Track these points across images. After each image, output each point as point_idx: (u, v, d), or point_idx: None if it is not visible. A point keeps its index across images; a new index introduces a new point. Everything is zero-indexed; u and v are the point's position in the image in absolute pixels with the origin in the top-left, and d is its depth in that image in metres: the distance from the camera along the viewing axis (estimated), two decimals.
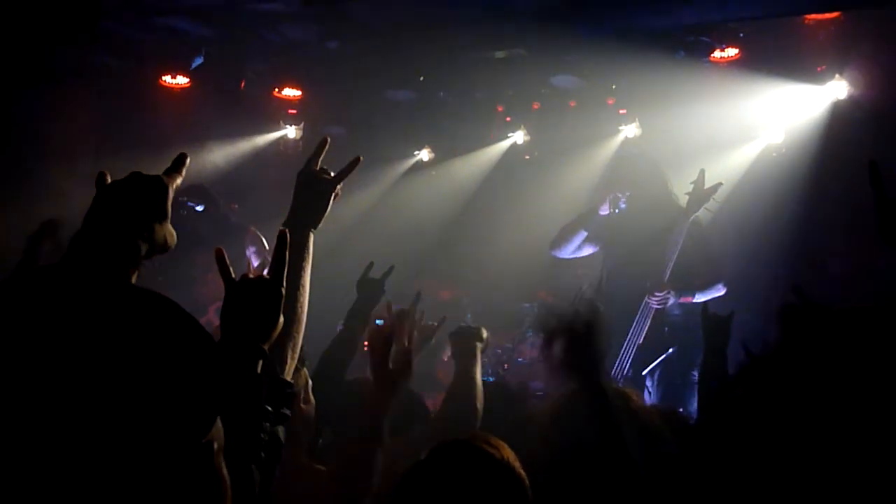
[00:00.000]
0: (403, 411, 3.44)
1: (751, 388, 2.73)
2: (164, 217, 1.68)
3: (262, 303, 1.92)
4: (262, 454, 1.83)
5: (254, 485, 1.80)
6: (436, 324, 4.48)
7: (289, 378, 2.15)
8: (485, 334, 3.88)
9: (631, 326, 5.62)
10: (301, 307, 2.25)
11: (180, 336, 1.32)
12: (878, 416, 2.35)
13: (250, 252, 6.55)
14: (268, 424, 1.86)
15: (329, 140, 2.52)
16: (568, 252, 6.34)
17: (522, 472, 2.16)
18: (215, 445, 1.33)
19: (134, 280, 1.59)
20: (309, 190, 2.45)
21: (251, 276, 1.97)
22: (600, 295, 5.79)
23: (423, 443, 2.64)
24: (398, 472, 2.48)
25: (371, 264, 4.16)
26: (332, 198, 2.47)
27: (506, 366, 8.46)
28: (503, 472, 2.13)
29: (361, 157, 2.57)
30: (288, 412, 2.06)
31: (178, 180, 1.76)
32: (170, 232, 1.69)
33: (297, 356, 2.20)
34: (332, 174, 2.50)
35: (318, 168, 2.50)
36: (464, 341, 3.85)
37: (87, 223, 1.61)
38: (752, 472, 2.59)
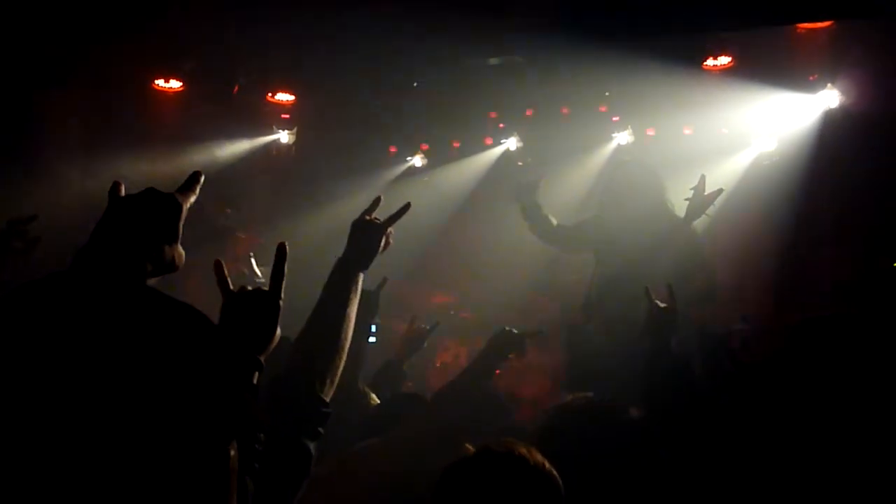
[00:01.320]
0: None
1: (738, 395, 2.75)
2: (175, 238, 1.65)
3: (259, 315, 1.93)
4: (256, 465, 1.83)
5: (247, 496, 1.80)
6: (427, 327, 4.46)
7: (327, 399, 2.24)
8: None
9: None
10: (346, 336, 2.38)
11: (199, 340, 1.31)
12: (868, 422, 2.37)
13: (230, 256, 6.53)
14: (262, 436, 1.86)
15: (382, 199, 2.79)
16: (549, 243, 6.28)
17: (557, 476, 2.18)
18: (232, 452, 1.33)
19: None
20: (362, 235, 2.64)
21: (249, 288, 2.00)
22: (590, 302, 5.78)
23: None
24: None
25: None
26: (383, 241, 2.67)
27: (497, 371, 8.45)
28: (539, 476, 2.16)
29: (410, 204, 2.82)
30: (322, 430, 2.16)
31: (192, 199, 1.74)
32: (178, 253, 1.66)
33: (336, 381, 2.30)
34: (382, 220, 2.71)
35: (371, 217, 2.70)
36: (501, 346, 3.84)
37: (95, 237, 1.58)
38: (741, 475, 2.60)
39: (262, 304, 1.95)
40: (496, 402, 4.22)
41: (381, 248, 2.67)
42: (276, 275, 2.01)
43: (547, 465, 2.18)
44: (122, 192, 1.69)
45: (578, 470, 2.40)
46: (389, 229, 2.71)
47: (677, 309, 3.60)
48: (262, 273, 7.61)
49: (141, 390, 1.22)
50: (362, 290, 4.05)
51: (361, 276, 2.57)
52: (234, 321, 1.93)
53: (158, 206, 1.65)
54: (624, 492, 2.45)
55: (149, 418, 1.22)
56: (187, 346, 1.28)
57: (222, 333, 1.91)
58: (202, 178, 1.81)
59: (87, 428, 1.19)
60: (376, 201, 2.78)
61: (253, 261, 6.53)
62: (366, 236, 2.65)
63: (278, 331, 1.96)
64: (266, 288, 1.99)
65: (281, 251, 2.04)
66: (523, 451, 2.19)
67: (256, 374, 1.87)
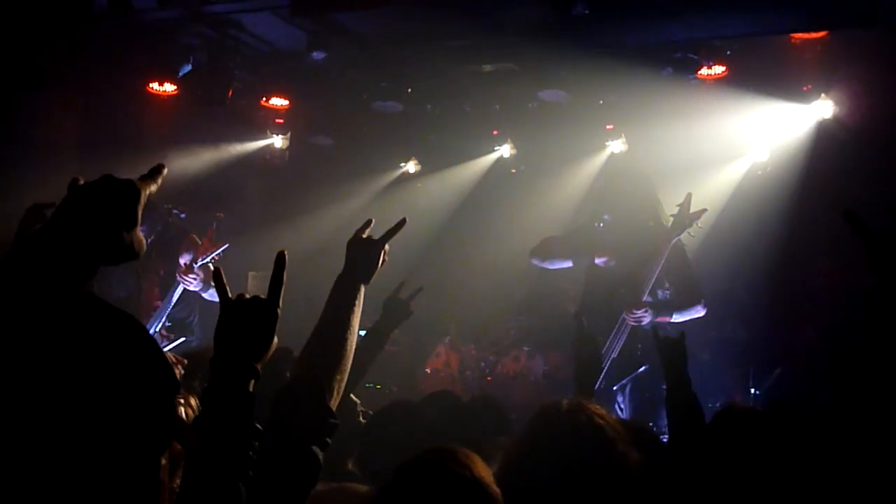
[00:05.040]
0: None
1: (728, 433, 2.78)
2: (134, 224, 1.62)
3: (257, 322, 1.93)
4: (251, 472, 1.82)
5: (240, 502, 1.79)
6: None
7: (333, 409, 2.22)
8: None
9: (607, 340, 5.61)
10: (350, 346, 2.38)
11: (131, 348, 1.31)
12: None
13: (184, 260, 6.42)
14: (258, 443, 1.85)
15: (373, 221, 2.80)
16: (546, 265, 6.32)
17: (495, 489, 2.11)
18: (163, 461, 1.33)
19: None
20: (360, 253, 2.64)
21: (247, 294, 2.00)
22: (582, 309, 5.79)
23: None
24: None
25: (402, 284, 4.18)
26: (382, 256, 2.68)
27: (489, 378, 8.46)
28: (476, 491, 2.09)
29: (406, 219, 2.84)
30: (329, 441, 2.13)
31: (153, 188, 1.71)
32: (138, 239, 1.63)
33: (342, 390, 2.30)
34: (377, 237, 2.72)
35: (365, 236, 2.72)
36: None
37: (51, 222, 1.56)
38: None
39: (260, 312, 1.95)
40: (496, 412, 4.20)
41: (379, 264, 2.67)
42: (275, 283, 2.00)
43: (470, 472, 2.10)
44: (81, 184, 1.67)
45: (557, 475, 2.40)
46: (386, 246, 2.71)
47: (685, 343, 3.67)
48: (254, 278, 7.54)
49: (58, 392, 1.21)
50: (396, 299, 4.09)
51: (363, 289, 2.56)
52: (231, 328, 1.93)
53: (116, 192, 1.63)
54: (600, 499, 2.44)
55: (64, 420, 1.21)
56: (113, 352, 1.28)
57: (219, 340, 1.92)
58: (165, 171, 1.79)
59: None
60: (368, 223, 2.80)
61: (211, 266, 6.42)
62: (363, 253, 2.64)
63: (275, 339, 1.95)
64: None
65: (280, 260, 2.03)
66: (461, 468, 2.11)
67: (252, 381, 1.87)
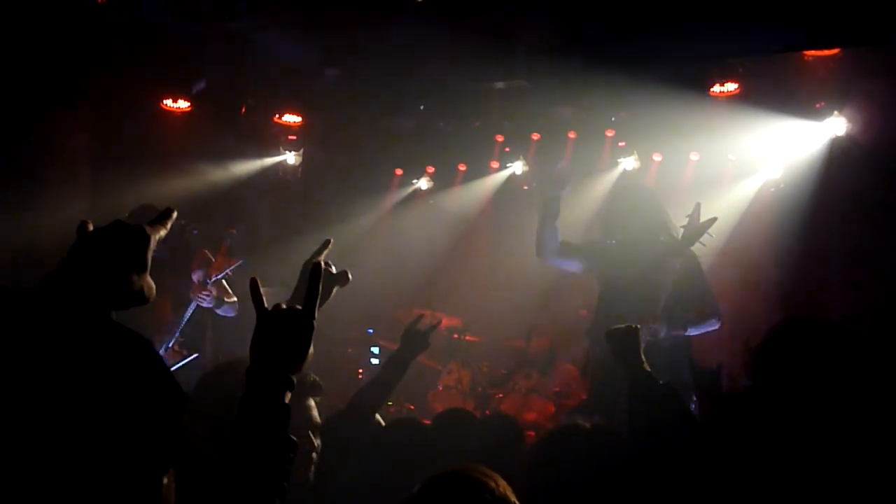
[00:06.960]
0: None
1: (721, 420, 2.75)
2: (144, 268, 1.66)
3: (293, 333, 1.94)
4: (286, 484, 1.83)
5: None
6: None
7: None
8: None
9: None
10: None
11: (138, 374, 1.33)
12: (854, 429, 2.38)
13: (196, 276, 6.40)
14: (293, 455, 1.85)
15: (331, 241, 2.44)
16: (550, 257, 6.18)
17: None
18: (164, 480, 1.34)
19: None
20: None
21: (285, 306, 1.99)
22: (595, 325, 5.77)
23: None
24: None
25: (421, 316, 4.19)
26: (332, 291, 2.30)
27: (499, 395, 8.43)
28: None
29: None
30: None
31: (163, 232, 1.74)
32: (148, 284, 1.67)
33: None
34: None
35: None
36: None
37: (62, 267, 1.59)
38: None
39: (297, 322, 1.95)
40: (513, 428, 4.18)
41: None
42: (311, 294, 1.99)
43: (493, 482, 2.12)
44: (90, 229, 1.70)
45: (568, 493, 2.39)
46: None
47: (636, 329, 3.65)
48: (265, 293, 7.51)
49: (63, 411, 1.24)
50: (414, 331, 4.07)
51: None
52: (268, 339, 1.93)
53: (126, 237, 1.66)
54: None
55: (73, 442, 1.23)
56: (119, 372, 1.30)
57: (256, 351, 1.92)
58: (174, 215, 1.81)
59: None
60: (326, 244, 2.44)
61: (225, 283, 6.40)
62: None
63: (311, 349, 1.95)
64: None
65: (316, 270, 2.03)
66: (488, 479, 2.13)
67: (288, 392, 1.87)
